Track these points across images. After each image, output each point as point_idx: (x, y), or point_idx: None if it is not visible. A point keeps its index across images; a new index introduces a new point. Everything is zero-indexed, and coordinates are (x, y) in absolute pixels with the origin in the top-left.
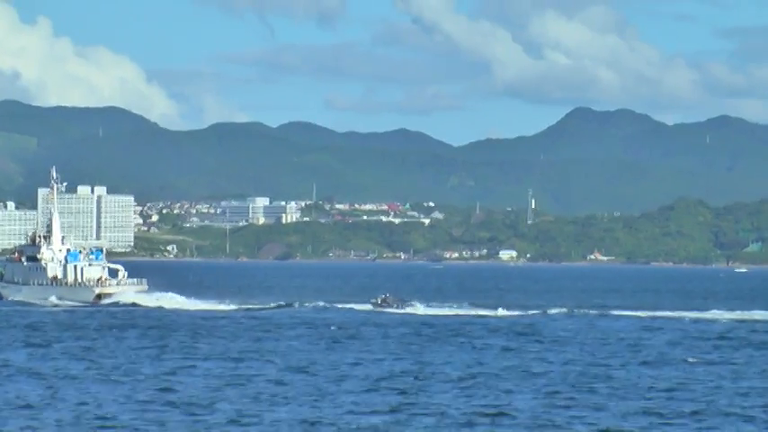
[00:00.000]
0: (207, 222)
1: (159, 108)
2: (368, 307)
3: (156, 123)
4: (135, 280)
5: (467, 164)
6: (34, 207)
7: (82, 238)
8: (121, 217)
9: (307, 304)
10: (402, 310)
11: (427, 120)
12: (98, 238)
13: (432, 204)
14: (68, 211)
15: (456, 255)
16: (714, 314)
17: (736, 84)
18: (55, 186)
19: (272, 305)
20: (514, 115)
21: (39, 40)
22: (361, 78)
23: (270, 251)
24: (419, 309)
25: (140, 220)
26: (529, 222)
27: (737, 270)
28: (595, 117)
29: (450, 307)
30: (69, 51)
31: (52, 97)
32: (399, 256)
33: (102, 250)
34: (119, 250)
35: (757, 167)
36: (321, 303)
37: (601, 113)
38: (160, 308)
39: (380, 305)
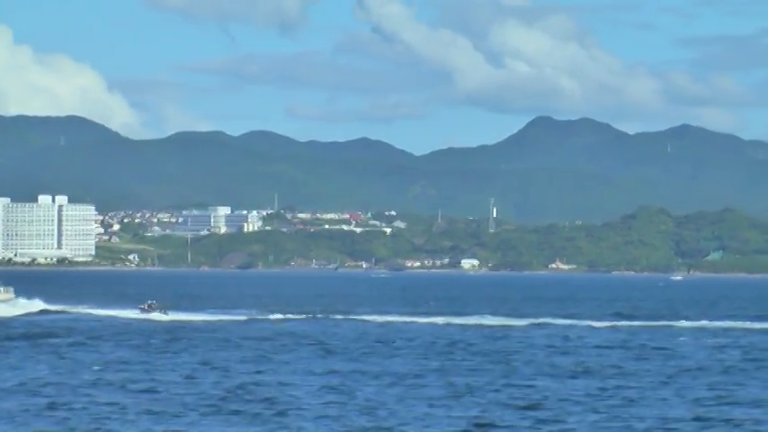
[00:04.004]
0: (168, 231)
1: (121, 117)
2: (136, 313)
3: (117, 132)
4: (2, 288)
5: (428, 173)
6: None
7: (42, 247)
8: (82, 226)
9: (80, 310)
10: (166, 316)
11: (389, 129)
12: (59, 247)
13: (393, 213)
14: (29, 220)
15: (418, 264)
16: (463, 319)
17: (697, 93)
18: None
19: (35, 311)
20: (476, 124)
21: None
22: (322, 87)
23: (231, 260)
24: (163, 316)
25: (101, 230)
26: (491, 231)
27: (673, 278)
28: (557, 126)
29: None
30: (29, 59)
31: (12, 106)
32: (361, 265)
33: None
34: (80, 259)
35: (718, 176)
36: (89, 310)
37: (562, 122)
38: None
39: (146, 311)
